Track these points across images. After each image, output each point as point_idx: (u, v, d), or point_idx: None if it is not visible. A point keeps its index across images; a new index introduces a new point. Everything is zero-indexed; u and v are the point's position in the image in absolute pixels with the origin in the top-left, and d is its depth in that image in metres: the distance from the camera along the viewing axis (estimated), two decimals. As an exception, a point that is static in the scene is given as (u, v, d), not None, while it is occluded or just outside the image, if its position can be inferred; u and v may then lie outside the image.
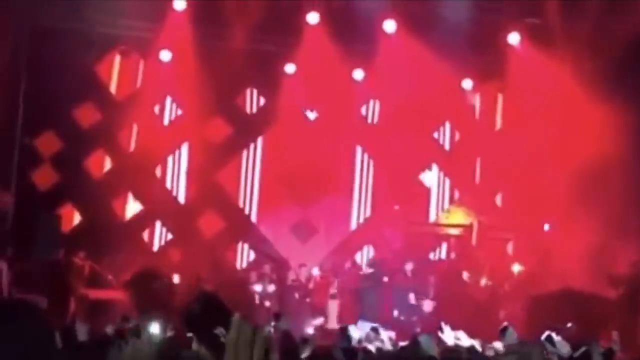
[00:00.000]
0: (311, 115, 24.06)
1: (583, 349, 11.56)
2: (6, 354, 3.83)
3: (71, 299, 18.88)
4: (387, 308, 20.80)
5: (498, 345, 14.21)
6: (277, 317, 15.54)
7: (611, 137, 20.28)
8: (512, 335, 13.63)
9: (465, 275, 22.09)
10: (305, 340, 13.03)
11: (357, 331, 18.11)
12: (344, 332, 15.48)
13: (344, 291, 21.22)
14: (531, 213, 22.89)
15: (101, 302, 19.38)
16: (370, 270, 19.97)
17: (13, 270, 18.71)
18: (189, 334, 5.66)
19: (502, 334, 14.10)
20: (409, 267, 21.20)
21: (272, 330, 17.84)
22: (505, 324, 14.61)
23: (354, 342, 16.52)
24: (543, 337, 14.41)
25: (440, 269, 23.00)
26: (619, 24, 20.43)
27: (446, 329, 15.57)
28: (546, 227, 23.22)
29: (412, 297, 20.96)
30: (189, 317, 5.96)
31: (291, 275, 21.96)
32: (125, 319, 12.18)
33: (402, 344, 14.59)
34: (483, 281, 22.07)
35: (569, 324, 18.75)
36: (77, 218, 23.07)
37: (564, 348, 13.32)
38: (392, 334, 19.67)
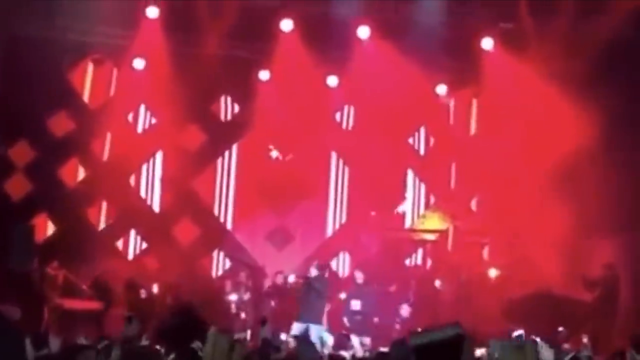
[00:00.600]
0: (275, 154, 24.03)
1: (570, 355, 11.53)
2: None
3: (45, 308, 18.73)
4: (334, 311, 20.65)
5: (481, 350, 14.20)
6: (263, 323, 15.47)
7: (585, 139, 20.39)
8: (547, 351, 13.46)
9: (438, 282, 22.13)
10: (278, 348, 13.00)
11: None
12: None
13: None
14: (506, 217, 22.93)
15: (75, 311, 19.29)
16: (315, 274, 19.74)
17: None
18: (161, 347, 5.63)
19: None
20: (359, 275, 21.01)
21: (248, 337, 17.83)
22: (532, 337, 14.48)
23: (322, 347, 16.52)
24: (514, 334, 14.45)
25: (415, 275, 23.02)
26: (592, 25, 20.52)
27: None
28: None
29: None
30: (165, 331, 5.91)
31: (267, 283, 21.89)
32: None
33: (382, 349, 14.56)
34: (458, 286, 22.11)
35: (560, 329, 18.85)
36: (51, 227, 22.93)
37: (548, 353, 13.31)
38: (367, 340, 19.74)
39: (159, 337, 6.02)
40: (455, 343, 2.26)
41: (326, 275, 20.16)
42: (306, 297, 18.98)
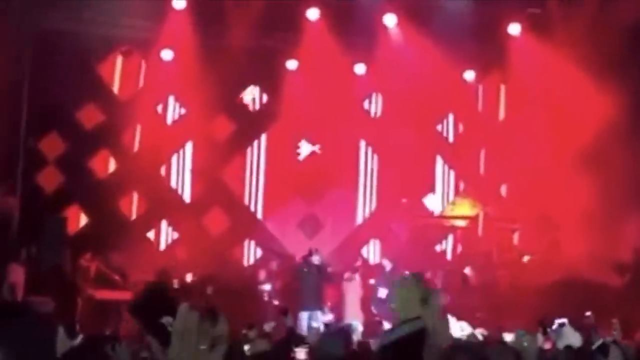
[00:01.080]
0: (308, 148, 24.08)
1: (600, 341, 11.50)
2: (8, 353, 3.88)
3: (78, 300, 18.90)
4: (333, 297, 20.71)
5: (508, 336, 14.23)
6: (284, 312, 15.54)
7: (611, 121, 20.33)
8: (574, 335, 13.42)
9: (468, 269, 22.11)
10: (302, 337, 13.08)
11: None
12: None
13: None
14: (536, 202, 22.88)
15: (108, 302, 19.45)
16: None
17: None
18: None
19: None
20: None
21: (274, 326, 17.90)
22: (561, 320, 14.48)
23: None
24: (554, 326, 14.43)
25: (445, 262, 23.06)
26: (618, 11, 20.42)
27: (451, 320, 15.57)
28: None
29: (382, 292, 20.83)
30: (136, 307, 5.98)
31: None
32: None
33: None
34: (489, 272, 22.10)
35: (588, 313, 18.78)
36: (83, 219, 23.11)
37: (575, 338, 13.32)
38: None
39: (131, 313, 6.10)
40: (417, 338, 2.29)
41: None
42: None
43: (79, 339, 8.17)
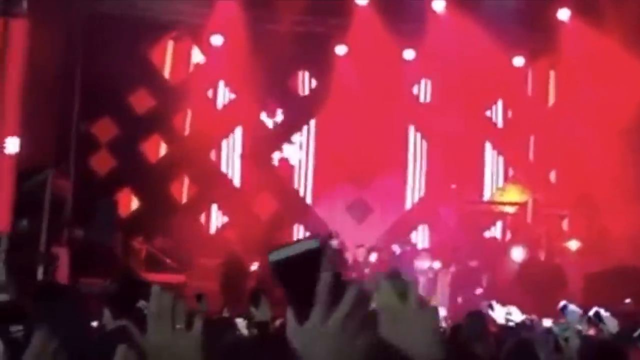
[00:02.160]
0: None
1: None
2: (48, 330, 4.03)
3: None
4: None
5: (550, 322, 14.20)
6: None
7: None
8: (574, 314, 13.50)
9: (514, 252, 22.03)
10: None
11: None
12: None
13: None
14: (586, 188, 22.76)
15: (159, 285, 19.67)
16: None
17: (73, 255, 19.13)
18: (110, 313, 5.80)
19: (562, 312, 13.97)
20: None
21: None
22: (563, 302, 14.52)
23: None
24: (591, 312, 14.38)
25: (491, 247, 23.03)
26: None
27: (496, 306, 15.56)
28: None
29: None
30: (109, 296, 6.09)
31: (348, 256, 22.04)
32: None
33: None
34: (539, 258, 22.04)
35: (627, 300, 18.69)
36: (134, 203, 23.44)
37: (612, 324, 13.26)
38: (444, 313, 19.82)
39: (106, 304, 6.22)
40: (314, 256, 2.31)
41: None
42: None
43: (124, 320, 8.34)
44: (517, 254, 21.99)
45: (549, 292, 19.98)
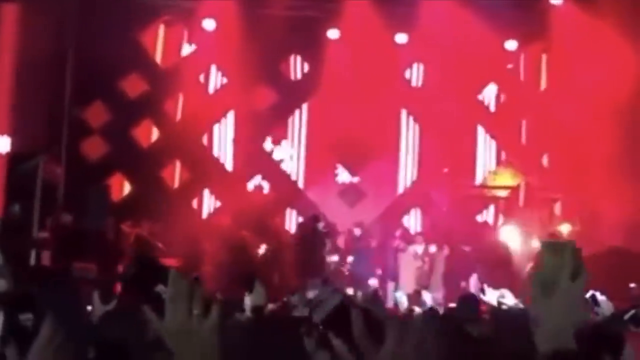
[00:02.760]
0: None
1: (632, 311, 11.45)
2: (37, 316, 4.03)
3: (119, 266, 19.07)
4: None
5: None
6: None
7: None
8: (606, 303, 13.43)
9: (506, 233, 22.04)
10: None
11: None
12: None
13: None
14: (578, 172, 22.78)
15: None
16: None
17: (62, 240, 19.12)
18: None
19: (593, 302, 13.88)
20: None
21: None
22: (591, 292, 14.44)
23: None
24: (587, 295, 14.39)
25: (486, 232, 23.07)
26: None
27: (488, 290, 15.65)
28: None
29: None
30: (128, 281, 6.08)
31: (340, 240, 22.06)
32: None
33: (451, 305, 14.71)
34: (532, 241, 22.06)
35: (632, 285, 18.72)
36: (126, 187, 23.42)
37: (607, 307, 13.28)
38: (439, 296, 19.90)
39: (124, 290, 6.20)
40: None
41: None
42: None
43: (113, 304, 8.32)
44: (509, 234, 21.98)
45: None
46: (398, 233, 22.21)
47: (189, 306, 2.78)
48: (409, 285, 20.41)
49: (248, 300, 9.99)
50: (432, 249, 21.16)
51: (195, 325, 2.80)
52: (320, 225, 20.41)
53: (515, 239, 21.70)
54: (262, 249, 20.87)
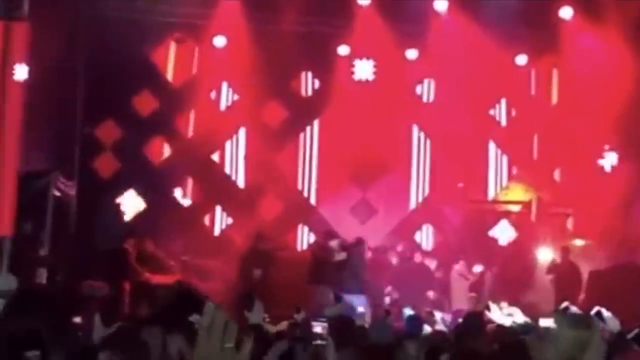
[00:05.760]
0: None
1: (637, 330, 11.36)
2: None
3: (127, 284, 18.96)
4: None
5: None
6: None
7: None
8: (612, 320, 13.36)
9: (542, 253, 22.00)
10: None
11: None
12: None
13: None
14: (590, 187, 22.75)
15: (163, 286, 19.64)
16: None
17: (76, 258, 19.17)
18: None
19: (599, 319, 13.82)
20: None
21: None
22: (597, 308, 14.37)
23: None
24: (592, 312, 14.33)
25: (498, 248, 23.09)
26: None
27: (493, 307, 15.57)
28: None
29: None
30: (165, 307, 6.07)
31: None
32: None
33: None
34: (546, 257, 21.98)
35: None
36: (140, 203, 23.42)
37: (613, 324, 13.22)
38: (447, 316, 19.84)
39: (157, 316, 6.16)
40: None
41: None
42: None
43: (115, 326, 8.31)
44: (545, 254, 21.94)
45: (568, 291, 19.95)
46: (400, 247, 22.30)
47: (222, 338, 2.78)
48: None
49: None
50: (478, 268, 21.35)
51: (225, 358, 2.79)
52: (334, 242, 20.30)
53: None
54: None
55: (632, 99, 20.98)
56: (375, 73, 23.60)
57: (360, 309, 18.17)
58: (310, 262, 20.22)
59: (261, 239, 21.13)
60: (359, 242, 20.32)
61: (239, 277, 20.42)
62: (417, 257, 22.16)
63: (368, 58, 23.57)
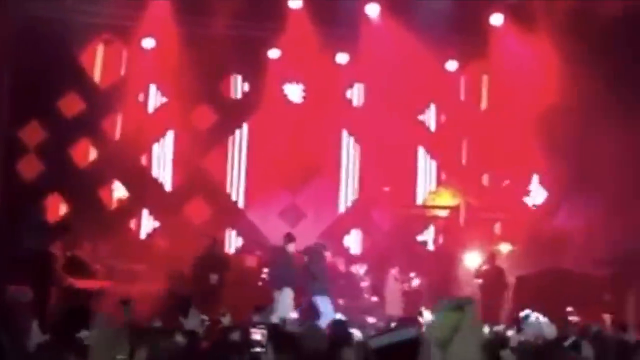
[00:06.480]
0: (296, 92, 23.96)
1: (573, 338, 11.45)
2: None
3: (53, 289, 18.62)
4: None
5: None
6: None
7: (596, 113, 20.41)
8: (537, 323, 13.43)
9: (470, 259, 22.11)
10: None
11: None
12: None
13: None
14: (518, 192, 22.95)
15: (87, 291, 19.31)
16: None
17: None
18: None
19: (524, 320, 13.88)
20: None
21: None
22: (527, 311, 14.44)
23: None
24: (522, 314, 14.45)
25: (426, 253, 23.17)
26: (600, 2, 20.48)
27: (426, 313, 15.57)
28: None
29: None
30: (56, 325, 5.92)
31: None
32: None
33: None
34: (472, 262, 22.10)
35: (569, 309, 18.78)
36: (63, 208, 23.04)
37: (549, 330, 13.32)
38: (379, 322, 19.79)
39: (51, 332, 6.01)
40: (412, 345, 2.34)
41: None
42: None
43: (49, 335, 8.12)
44: (473, 259, 22.03)
45: (495, 296, 20.12)
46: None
47: (112, 352, 2.66)
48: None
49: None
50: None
51: None
52: (291, 246, 20.07)
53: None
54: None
55: (558, 102, 21.22)
56: (305, 90, 23.56)
57: (328, 311, 17.92)
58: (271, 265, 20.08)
59: (217, 244, 20.95)
60: (320, 245, 20.16)
61: (193, 282, 20.17)
62: (341, 263, 22.07)
63: (298, 82, 23.50)
